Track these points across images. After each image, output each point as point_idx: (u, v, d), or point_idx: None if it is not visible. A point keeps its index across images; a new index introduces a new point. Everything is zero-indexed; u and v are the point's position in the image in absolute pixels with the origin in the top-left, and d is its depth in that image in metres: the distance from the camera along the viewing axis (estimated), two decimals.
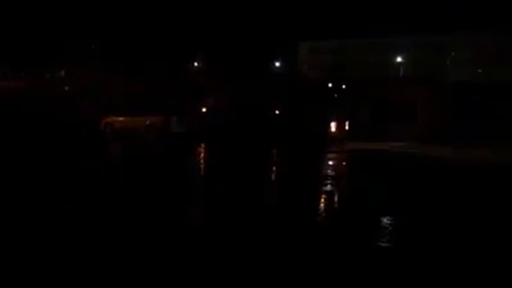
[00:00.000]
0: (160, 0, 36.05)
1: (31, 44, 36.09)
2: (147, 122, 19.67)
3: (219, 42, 34.46)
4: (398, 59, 26.16)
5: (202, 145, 18.64)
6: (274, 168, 14.14)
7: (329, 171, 13.37)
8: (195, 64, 36.93)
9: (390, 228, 7.08)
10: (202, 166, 14.31)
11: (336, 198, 9.70)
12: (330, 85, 24.36)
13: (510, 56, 21.76)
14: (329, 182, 11.14)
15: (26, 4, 36.43)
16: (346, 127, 20.18)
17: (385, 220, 7.42)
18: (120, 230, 6.65)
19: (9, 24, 35.55)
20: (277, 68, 34.11)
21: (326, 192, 10.07)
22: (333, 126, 19.05)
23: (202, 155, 16.99)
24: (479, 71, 22.48)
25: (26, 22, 36.36)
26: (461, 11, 25.58)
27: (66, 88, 32.40)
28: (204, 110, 22.54)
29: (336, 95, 23.08)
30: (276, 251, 5.83)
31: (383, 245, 6.29)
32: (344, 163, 15.29)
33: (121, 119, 20.12)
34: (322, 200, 9.44)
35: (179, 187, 10.03)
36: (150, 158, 15.15)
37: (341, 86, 24.00)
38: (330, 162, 15.07)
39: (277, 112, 21.14)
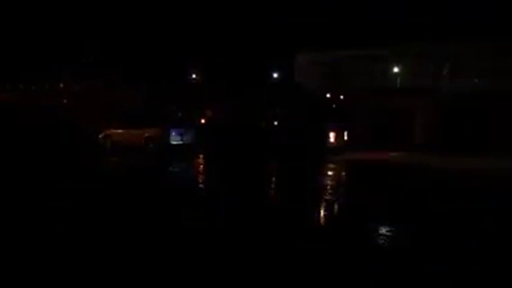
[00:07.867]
0: (158, 13, 36.29)
1: (28, 57, 36.22)
2: (146, 135, 19.68)
3: (218, 54, 34.64)
4: (396, 69, 26.30)
5: (201, 157, 18.63)
6: (273, 179, 14.13)
7: (328, 182, 13.34)
8: (194, 76, 37.08)
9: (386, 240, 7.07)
10: (200, 179, 14.29)
11: (334, 208, 9.69)
12: (328, 95, 24.44)
13: (508, 66, 21.87)
14: (326, 193, 11.13)
15: (22, 16, 36.64)
16: (345, 137, 20.21)
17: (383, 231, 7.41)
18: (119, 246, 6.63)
19: (7, 36, 35.71)
20: (275, 78, 34.24)
21: (323, 203, 10.05)
22: (332, 136, 19.06)
23: (201, 167, 16.97)
24: (476, 80, 22.56)
25: (23, 34, 36.52)
26: (459, 20, 25.75)
27: (65, 101, 32.53)
28: (202, 121, 22.58)
29: (334, 105, 23.13)
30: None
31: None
32: (343, 173, 15.30)
33: (120, 131, 20.14)
34: (321, 210, 9.42)
35: (174, 201, 10.00)
36: (148, 171, 15.13)
37: (339, 96, 24.07)
38: (329, 173, 15.06)
39: (275, 123, 21.15)
